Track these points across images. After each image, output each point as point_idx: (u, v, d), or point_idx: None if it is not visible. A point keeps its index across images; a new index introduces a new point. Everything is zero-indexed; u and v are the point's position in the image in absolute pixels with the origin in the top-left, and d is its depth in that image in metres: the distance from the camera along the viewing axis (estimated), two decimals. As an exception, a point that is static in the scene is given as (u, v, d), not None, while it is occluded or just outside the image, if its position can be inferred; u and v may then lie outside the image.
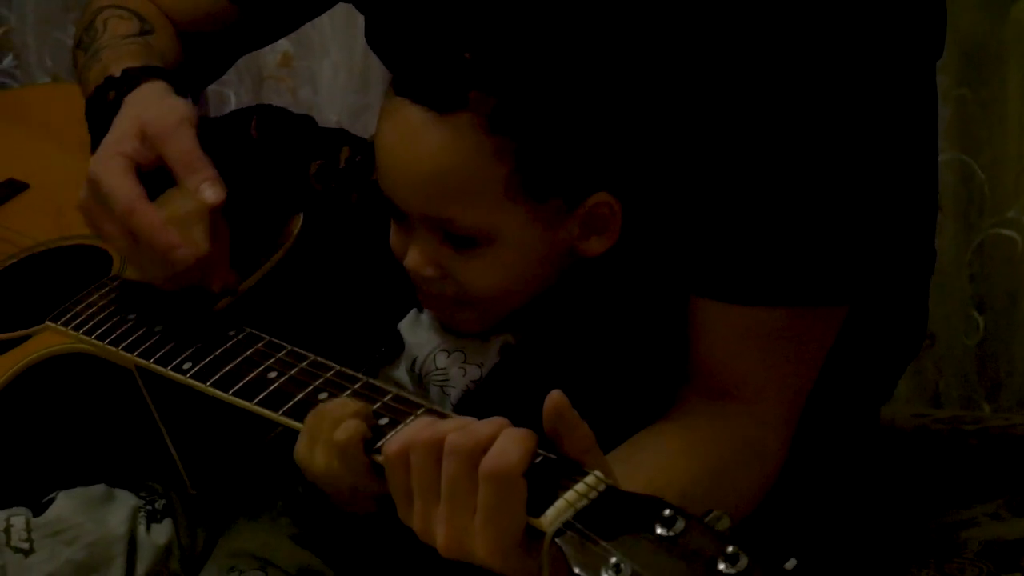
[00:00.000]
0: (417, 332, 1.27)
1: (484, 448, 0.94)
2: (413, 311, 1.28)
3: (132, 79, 1.30)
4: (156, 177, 1.23)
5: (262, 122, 1.36)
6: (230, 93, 2.25)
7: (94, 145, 1.30)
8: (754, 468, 1.18)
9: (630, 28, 1.17)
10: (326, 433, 1.04)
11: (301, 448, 1.07)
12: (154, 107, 1.26)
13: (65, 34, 2.39)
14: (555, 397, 0.95)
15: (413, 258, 1.18)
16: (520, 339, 1.22)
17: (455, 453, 0.95)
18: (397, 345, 1.26)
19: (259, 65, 2.24)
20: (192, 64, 1.43)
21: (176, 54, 1.40)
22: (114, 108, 1.28)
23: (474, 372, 1.23)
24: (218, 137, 1.26)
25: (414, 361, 1.25)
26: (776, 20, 1.12)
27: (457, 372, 1.23)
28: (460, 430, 0.96)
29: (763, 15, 1.12)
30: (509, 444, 0.94)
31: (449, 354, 1.24)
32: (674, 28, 1.15)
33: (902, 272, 1.29)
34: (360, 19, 1.42)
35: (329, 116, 2.18)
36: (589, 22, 1.18)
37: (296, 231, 1.31)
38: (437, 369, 1.23)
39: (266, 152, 1.35)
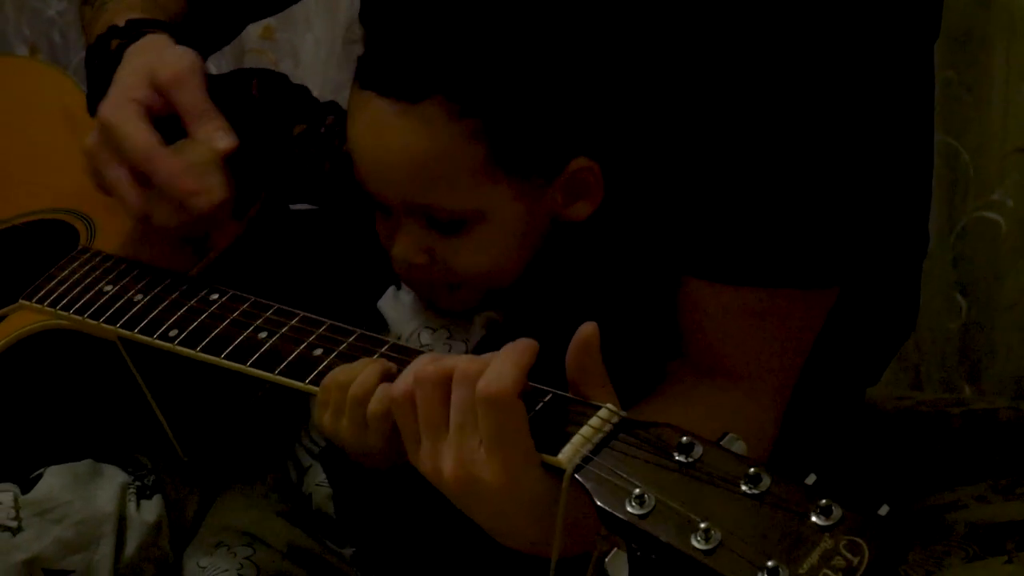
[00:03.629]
0: (399, 310, 1.27)
1: None
2: (391, 288, 1.28)
3: (136, 29, 1.29)
4: (163, 126, 1.23)
5: (263, 83, 1.35)
6: (211, 66, 2.22)
7: (90, 94, 1.30)
8: (749, 447, 1.18)
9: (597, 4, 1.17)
10: (353, 405, 1.04)
11: (326, 421, 1.07)
12: (164, 55, 1.25)
13: (43, 4, 2.37)
14: (590, 328, 0.96)
15: (401, 248, 1.18)
16: (506, 314, 1.22)
17: (465, 381, 0.96)
18: (378, 325, 1.26)
19: (241, 38, 2.22)
20: (197, 28, 1.41)
21: (180, 12, 1.39)
22: (116, 58, 1.27)
23: (459, 348, 1.23)
24: (220, 93, 1.25)
25: (398, 339, 1.24)
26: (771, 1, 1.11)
27: (442, 348, 1.23)
28: (469, 360, 0.97)
29: None
30: (502, 364, 0.95)
31: (434, 331, 1.24)
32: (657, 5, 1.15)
33: (894, 255, 1.29)
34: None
35: (312, 91, 2.17)
36: None
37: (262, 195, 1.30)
38: (422, 346, 1.23)
39: (264, 112, 1.34)
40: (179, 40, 1.29)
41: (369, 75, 1.14)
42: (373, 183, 1.17)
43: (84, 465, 1.27)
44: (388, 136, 1.13)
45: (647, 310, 1.23)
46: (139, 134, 1.20)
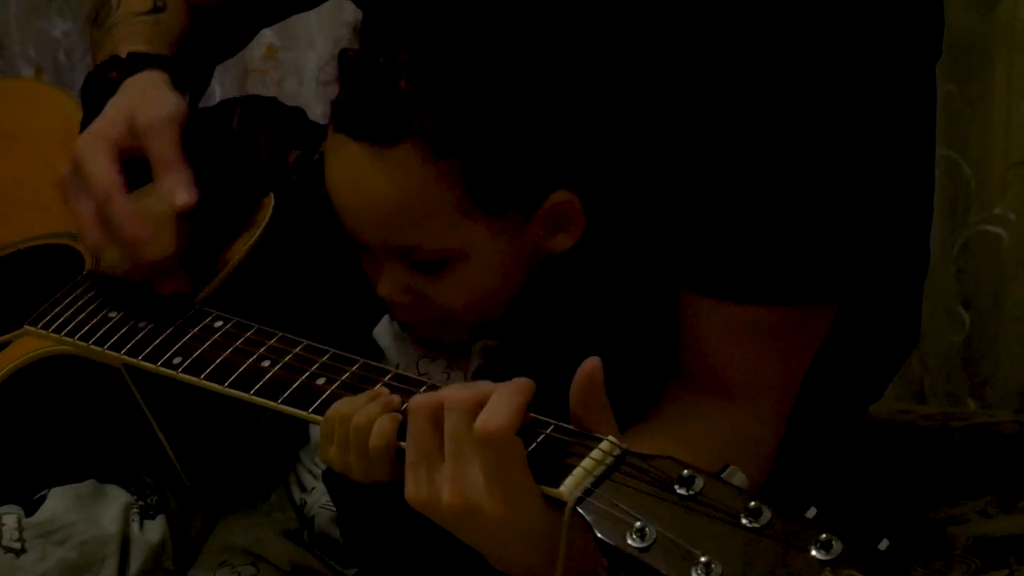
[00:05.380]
0: (395, 339, 1.27)
1: (482, 403, 0.96)
2: (386, 317, 1.28)
3: (135, 64, 1.30)
4: (140, 168, 1.23)
5: (246, 114, 1.35)
6: (215, 86, 2.24)
7: (84, 121, 1.30)
8: (749, 464, 1.17)
9: (576, 27, 1.17)
10: (356, 440, 1.04)
11: (332, 455, 1.07)
12: (147, 98, 1.26)
13: (49, 24, 2.38)
14: (594, 364, 0.96)
15: (385, 288, 1.18)
16: (502, 341, 1.22)
17: (454, 409, 0.96)
18: (374, 354, 1.26)
19: (244, 57, 2.23)
20: (205, 41, 1.42)
21: (183, 33, 1.39)
22: (112, 88, 1.28)
23: (458, 376, 1.23)
24: (202, 129, 1.26)
25: (396, 368, 1.25)
26: (772, 15, 1.12)
27: (440, 377, 1.23)
28: (459, 388, 0.97)
29: (759, 9, 1.12)
30: (499, 402, 0.95)
31: (432, 361, 1.24)
32: (654, 23, 1.15)
33: (894, 272, 1.29)
34: (346, 11, 1.41)
35: (315, 109, 2.16)
36: (525, 27, 1.17)
37: (268, 214, 1.29)
38: (420, 375, 1.23)
39: (246, 145, 1.34)
40: (178, 75, 1.30)
41: (342, 119, 1.14)
42: (352, 226, 1.17)
43: (87, 486, 1.27)
44: (363, 180, 1.13)
45: (645, 329, 1.23)
46: (103, 173, 1.21)
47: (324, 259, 1.34)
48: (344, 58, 1.17)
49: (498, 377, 1.17)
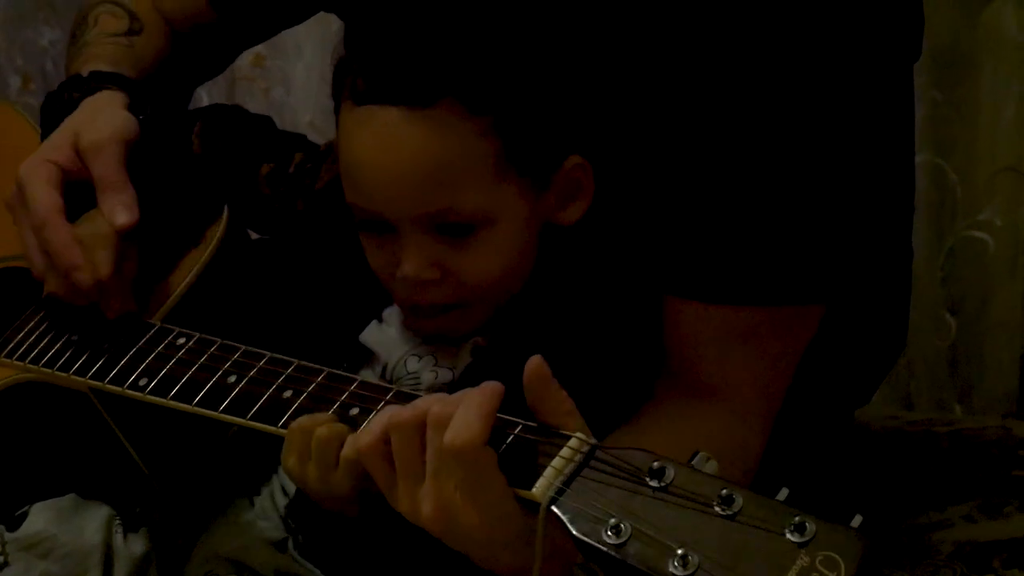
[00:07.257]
0: (383, 340, 1.26)
1: None
2: (374, 322, 1.28)
3: (94, 83, 1.30)
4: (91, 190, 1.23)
5: (206, 129, 1.35)
6: (203, 93, 2.24)
7: (43, 140, 1.29)
8: (736, 466, 1.18)
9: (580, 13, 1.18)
10: (318, 450, 1.04)
11: (291, 464, 1.07)
12: (95, 119, 1.25)
13: (36, 33, 2.38)
14: (535, 363, 0.96)
15: (411, 264, 1.17)
16: (490, 340, 1.22)
17: (439, 426, 0.96)
18: (361, 358, 1.26)
19: (231, 66, 2.23)
20: (185, 63, 1.42)
21: (160, 56, 1.40)
22: (72, 108, 1.28)
23: (446, 375, 1.23)
24: (159, 147, 1.26)
25: (384, 367, 1.25)
26: (756, 16, 1.12)
27: (428, 375, 1.23)
28: (442, 404, 0.97)
29: (744, 11, 1.12)
30: (466, 414, 0.94)
31: (420, 358, 1.24)
32: (652, 13, 1.16)
33: (878, 272, 1.29)
34: (333, 20, 1.42)
35: (302, 117, 2.18)
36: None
37: (222, 229, 1.28)
38: (408, 373, 1.23)
39: (207, 163, 1.34)
40: (139, 97, 1.29)
41: (373, 88, 1.14)
42: (381, 199, 1.16)
43: (68, 500, 1.27)
44: (401, 145, 1.13)
45: (631, 330, 1.23)
46: (42, 199, 1.21)
47: (302, 268, 1.33)
48: (364, 32, 1.17)
49: (486, 376, 1.18)
